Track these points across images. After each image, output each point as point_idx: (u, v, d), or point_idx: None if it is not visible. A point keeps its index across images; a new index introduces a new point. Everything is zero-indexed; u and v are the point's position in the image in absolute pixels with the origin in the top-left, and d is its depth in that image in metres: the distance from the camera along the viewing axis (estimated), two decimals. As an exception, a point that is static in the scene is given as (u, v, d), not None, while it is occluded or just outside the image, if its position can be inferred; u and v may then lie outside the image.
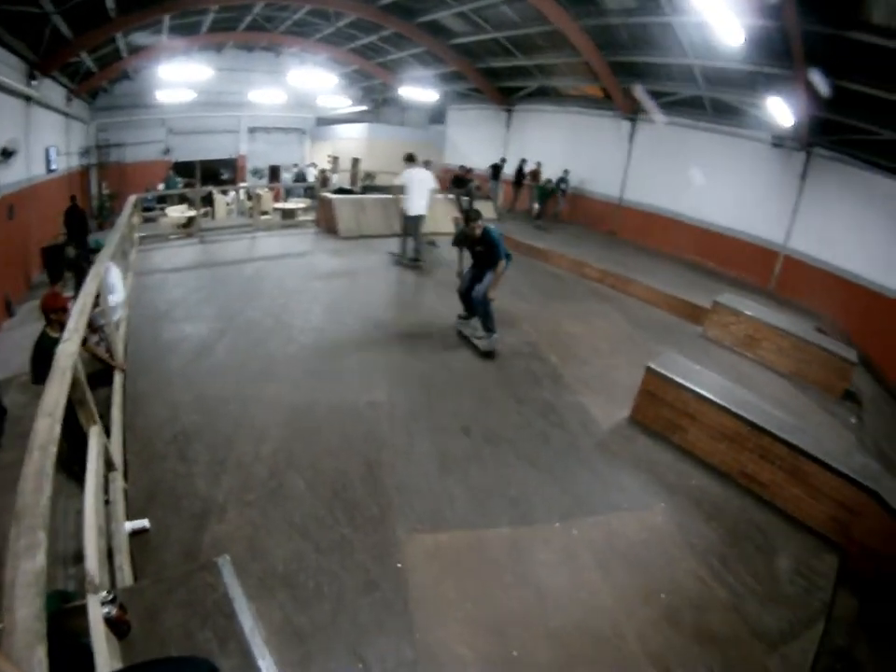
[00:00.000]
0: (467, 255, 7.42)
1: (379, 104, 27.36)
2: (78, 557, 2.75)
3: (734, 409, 5.39)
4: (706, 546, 4.46)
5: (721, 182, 14.86)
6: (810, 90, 10.88)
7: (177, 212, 15.36)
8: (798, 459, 5.03)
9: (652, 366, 5.91)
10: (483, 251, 7.08)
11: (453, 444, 5.17)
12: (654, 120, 15.56)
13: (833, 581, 4.46)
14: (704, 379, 5.93)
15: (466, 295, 7.46)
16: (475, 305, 7.18)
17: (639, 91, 15.13)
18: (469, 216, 7.13)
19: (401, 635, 3.21)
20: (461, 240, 7.36)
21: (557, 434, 5.61)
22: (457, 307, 7.71)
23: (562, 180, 17.29)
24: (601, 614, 3.64)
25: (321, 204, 14.05)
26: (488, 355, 7.05)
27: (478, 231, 6.92)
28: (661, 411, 5.83)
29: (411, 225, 10.71)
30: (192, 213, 13.91)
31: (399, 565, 3.69)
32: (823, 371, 7.94)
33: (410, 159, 10.61)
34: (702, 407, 5.54)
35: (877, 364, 11.01)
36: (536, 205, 17.30)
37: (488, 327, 7.13)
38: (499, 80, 19.76)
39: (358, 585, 3.48)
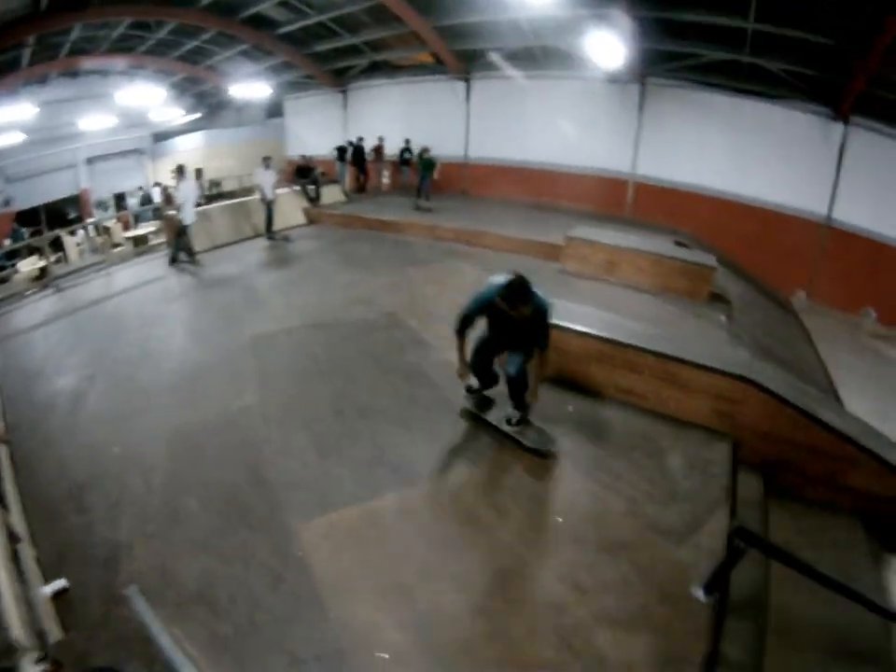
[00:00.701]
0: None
1: (213, 108, 26.28)
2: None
3: (595, 332, 5.47)
4: (593, 464, 4.57)
5: (564, 124, 15.23)
6: (637, 24, 11.43)
7: (28, 265, 14.19)
8: (667, 364, 5.15)
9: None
10: (519, 326, 4.46)
11: (327, 427, 5.13)
12: (489, 77, 15.87)
13: (728, 467, 4.67)
14: (561, 310, 5.88)
15: (487, 370, 5.10)
16: (510, 386, 4.82)
17: (492, 55, 15.28)
18: (512, 292, 4.18)
19: (318, 618, 3.26)
20: (477, 316, 4.70)
21: (426, 394, 5.62)
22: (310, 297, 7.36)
23: (405, 150, 17.04)
24: (502, 551, 3.72)
25: (167, 225, 13.27)
26: (545, 455, 4.72)
27: (527, 313, 4.25)
28: (525, 349, 5.80)
29: (186, 233, 11.07)
30: (43, 262, 12.90)
31: (300, 553, 3.71)
32: (685, 280, 8.26)
33: (179, 171, 10.79)
34: (564, 336, 5.53)
35: (739, 263, 11.70)
36: (384, 179, 16.92)
37: (522, 402, 4.88)
38: (330, 63, 19.39)
39: (267, 583, 3.51)
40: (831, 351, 10.87)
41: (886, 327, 13.64)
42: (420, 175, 15.54)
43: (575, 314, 5.90)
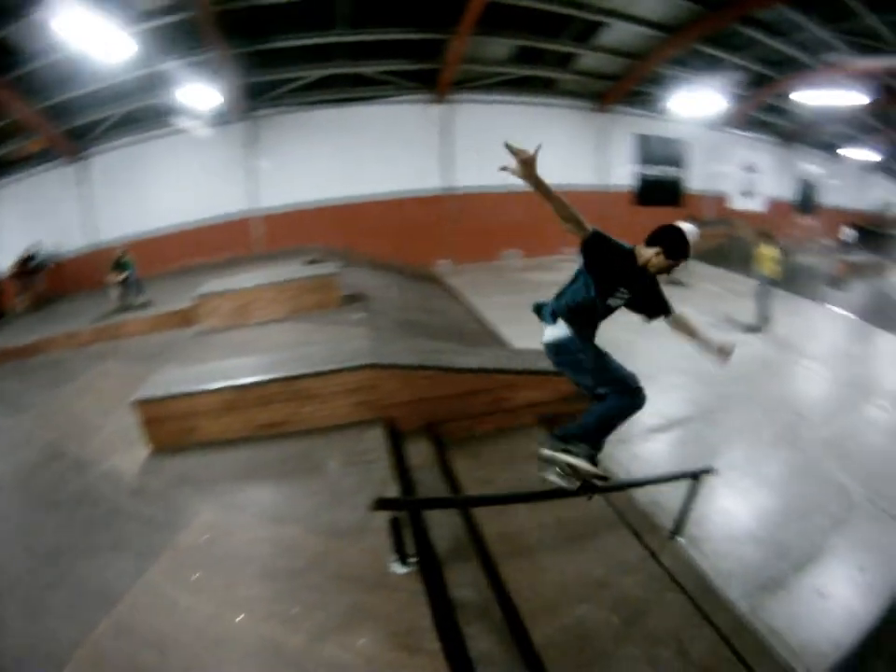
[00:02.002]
0: None
1: None
2: None
3: (215, 385, 5.74)
4: (260, 510, 4.77)
5: (182, 181, 15.40)
6: (232, 61, 12.16)
7: None
8: (292, 384, 5.65)
9: (137, 398, 5.78)
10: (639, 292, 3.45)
11: (24, 589, 4.69)
12: (108, 150, 15.52)
13: (387, 447, 5.17)
14: (188, 375, 6.20)
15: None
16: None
17: (104, 126, 14.90)
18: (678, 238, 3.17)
19: None
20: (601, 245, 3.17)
21: (99, 513, 5.43)
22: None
23: (31, 257, 15.70)
24: (207, 624, 3.74)
25: None
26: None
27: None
28: (168, 427, 5.80)
29: None
30: None
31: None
32: (314, 295, 8.93)
33: None
34: (194, 401, 5.72)
35: (381, 257, 13.01)
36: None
37: None
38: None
39: None
40: (471, 296, 12.32)
41: (529, 258, 16.01)
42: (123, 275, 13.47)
43: (201, 374, 6.18)
